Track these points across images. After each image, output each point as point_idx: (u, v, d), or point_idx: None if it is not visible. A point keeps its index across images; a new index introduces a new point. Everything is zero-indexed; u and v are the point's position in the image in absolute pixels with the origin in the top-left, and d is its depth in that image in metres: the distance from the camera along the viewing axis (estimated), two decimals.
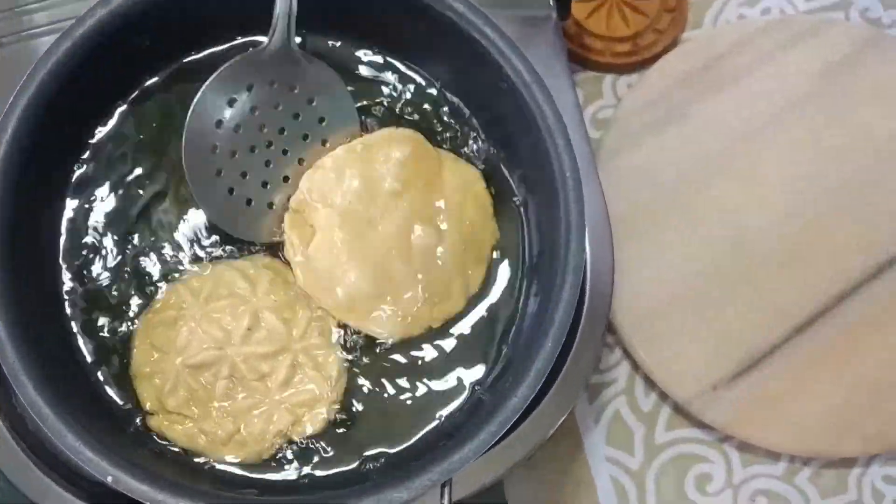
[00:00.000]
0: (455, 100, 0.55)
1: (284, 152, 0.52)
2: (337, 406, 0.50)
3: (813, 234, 0.63)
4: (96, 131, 0.53)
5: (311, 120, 0.52)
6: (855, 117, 0.65)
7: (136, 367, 0.50)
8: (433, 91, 0.55)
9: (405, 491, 0.44)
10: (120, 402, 0.50)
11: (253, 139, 0.51)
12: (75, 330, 0.51)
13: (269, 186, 0.52)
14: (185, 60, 0.54)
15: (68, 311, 0.51)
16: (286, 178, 0.52)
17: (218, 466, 0.50)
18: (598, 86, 0.68)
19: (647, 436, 0.62)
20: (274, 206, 0.52)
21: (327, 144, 0.52)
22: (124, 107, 0.54)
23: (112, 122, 0.54)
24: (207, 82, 0.50)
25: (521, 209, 0.54)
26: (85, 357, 0.51)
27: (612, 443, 0.62)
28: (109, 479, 0.44)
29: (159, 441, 0.50)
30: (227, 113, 0.51)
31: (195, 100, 0.50)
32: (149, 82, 0.54)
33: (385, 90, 0.55)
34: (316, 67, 0.52)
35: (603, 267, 0.54)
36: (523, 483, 0.61)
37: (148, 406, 0.50)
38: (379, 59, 0.55)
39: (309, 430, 0.50)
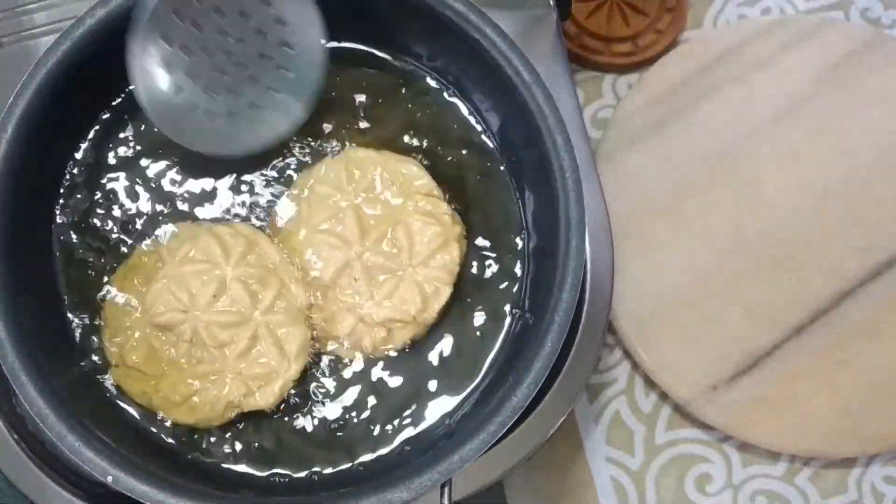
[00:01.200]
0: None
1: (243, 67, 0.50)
2: (292, 384, 0.50)
3: (812, 235, 0.63)
4: (99, 130, 0.53)
5: (274, 40, 0.50)
6: (855, 117, 0.65)
7: (107, 318, 0.51)
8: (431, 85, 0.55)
9: (405, 491, 0.44)
10: (119, 401, 0.50)
11: (215, 59, 0.50)
12: (74, 328, 0.51)
13: (232, 96, 0.50)
14: None
15: (69, 309, 0.51)
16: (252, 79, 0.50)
17: (220, 465, 0.50)
18: (598, 86, 0.68)
19: (647, 436, 0.62)
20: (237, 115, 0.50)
21: (292, 50, 0.50)
22: (126, 107, 0.54)
23: (114, 122, 0.54)
24: None
25: (521, 209, 0.54)
26: (84, 355, 0.51)
27: (612, 443, 0.62)
28: (109, 479, 0.44)
29: (157, 439, 0.50)
30: (189, 10, 0.48)
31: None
32: None
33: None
34: None
35: (603, 267, 0.54)
36: (523, 483, 0.61)
37: (111, 358, 0.50)
38: (387, 56, 0.56)
39: (260, 403, 0.50)
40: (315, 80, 0.50)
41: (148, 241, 0.52)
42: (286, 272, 0.51)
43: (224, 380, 0.50)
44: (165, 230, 0.52)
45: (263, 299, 0.50)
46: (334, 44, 0.54)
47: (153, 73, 0.49)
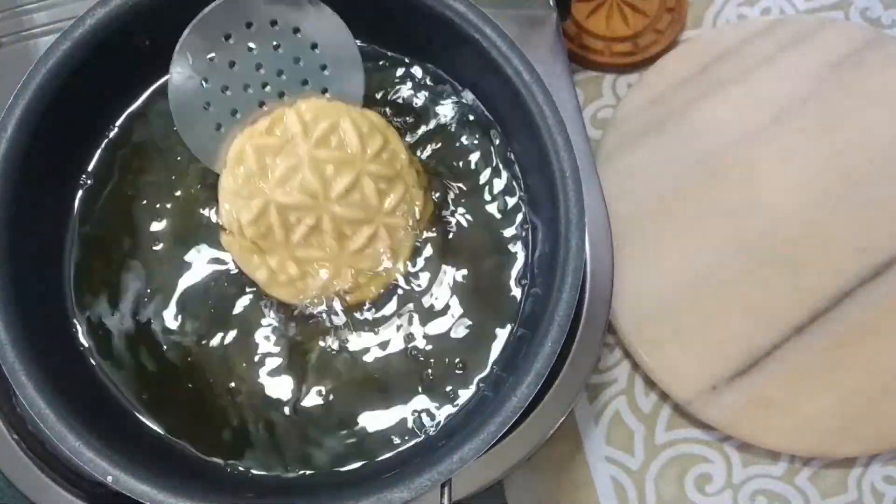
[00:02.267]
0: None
1: (281, 95, 0.51)
2: (392, 285, 0.51)
3: (812, 235, 0.63)
4: (100, 130, 0.53)
5: (312, 66, 0.51)
6: (855, 117, 0.65)
7: (229, 179, 0.50)
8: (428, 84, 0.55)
9: (405, 491, 0.44)
10: (123, 402, 0.50)
11: (248, 78, 0.50)
12: (80, 327, 0.51)
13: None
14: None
15: (72, 308, 0.51)
16: None
17: (213, 464, 0.50)
18: (598, 86, 0.68)
19: (647, 436, 0.62)
20: None
21: (327, 94, 0.51)
22: (129, 106, 0.54)
23: (117, 121, 0.54)
24: (202, 13, 0.48)
25: (523, 209, 0.54)
26: (86, 355, 0.51)
27: (612, 443, 0.62)
28: (109, 479, 0.44)
29: (159, 442, 0.50)
30: (222, 48, 0.49)
31: (186, 31, 0.48)
32: (155, 83, 0.54)
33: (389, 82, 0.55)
34: (321, 12, 0.50)
35: (603, 267, 0.54)
36: (523, 483, 0.61)
37: (225, 221, 0.50)
38: (387, 54, 0.55)
39: (363, 296, 0.51)
40: (355, 95, 0.51)
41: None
42: (409, 176, 0.51)
43: (336, 271, 0.50)
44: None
45: (390, 201, 0.51)
46: None
47: (187, 73, 0.49)
